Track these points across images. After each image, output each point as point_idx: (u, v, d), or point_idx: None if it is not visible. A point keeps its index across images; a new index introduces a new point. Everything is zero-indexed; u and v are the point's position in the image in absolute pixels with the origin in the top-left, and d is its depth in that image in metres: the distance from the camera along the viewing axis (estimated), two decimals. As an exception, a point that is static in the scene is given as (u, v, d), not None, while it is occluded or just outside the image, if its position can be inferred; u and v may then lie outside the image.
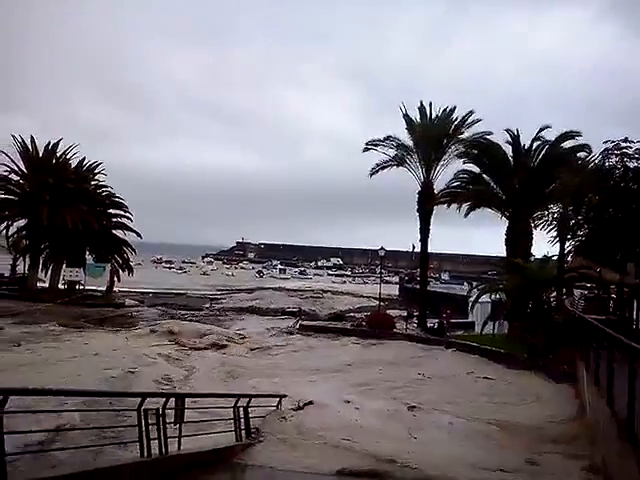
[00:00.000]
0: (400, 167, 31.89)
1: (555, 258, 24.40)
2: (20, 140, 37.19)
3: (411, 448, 10.26)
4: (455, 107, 31.56)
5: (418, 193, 31.40)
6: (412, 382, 17.30)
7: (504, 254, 27.50)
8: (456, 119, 31.11)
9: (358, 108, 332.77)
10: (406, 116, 31.96)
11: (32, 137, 37.92)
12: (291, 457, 9.60)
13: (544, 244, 26.27)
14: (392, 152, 31.80)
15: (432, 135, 30.96)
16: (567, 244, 25.04)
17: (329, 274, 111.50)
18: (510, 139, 27.05)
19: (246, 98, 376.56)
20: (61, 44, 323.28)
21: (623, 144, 19.92)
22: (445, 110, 31.60)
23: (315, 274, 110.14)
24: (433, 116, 31.76)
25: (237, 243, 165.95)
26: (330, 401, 13.34)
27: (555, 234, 25.83)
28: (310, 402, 12.67)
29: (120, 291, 41.05)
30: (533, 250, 26.53)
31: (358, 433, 10.90)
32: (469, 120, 30.58)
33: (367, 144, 31.94)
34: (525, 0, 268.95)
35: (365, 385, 16.73)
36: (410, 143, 31.55)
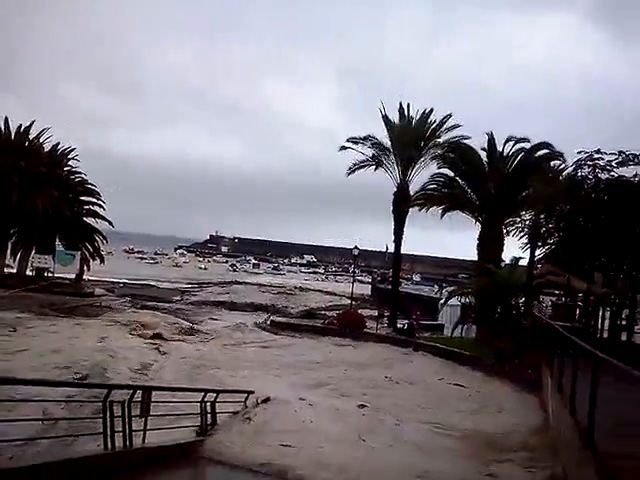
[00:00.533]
0: (377, 168, 32.06)
1: (524, 263, 24.83)
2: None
3: (360, 454, 9.92)
4: (432, 109, 31.81)
5: (394, 194, 31.56)
6: (378, 385, 17.13)
7: (476, 258, 27.82)
8: (434, 122, 31.33)
9: (347, 106, 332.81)
10: (385, 117, 32.10)
11: (6, 118, 37.13)
12: (241, 459, 9.35)
13: (515, 250, 26.63)
14: (370, 152, 31.97)
15: (409, 137, 31.10)
16: (537, 251, 25.48)
17: (302, 271, 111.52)
18: (487, 144, 27.34)
19: (231, 90, 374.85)
20: (53, 29, 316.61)
21: (596, 155, 20.35)
22: (424, 112, 31.81)
23: (288, 270, 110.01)
24: (412, 118, 31.93)
25: (210, 236, 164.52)
26: (290, 399, 13.04)
27: (526, 241, 26.26)
28: (267, 399, 12.54)
29: (90, 280, 40.42)
30: (504, 256, 26.89)
31: (309, 436, 10.56)
32: (447, 123, 30.81)
33: (347, 140, 32.01)
34: (517, 4, 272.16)
35: (329, 385, 16.65)
36: (388, 144, 31.72)
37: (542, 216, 24.01)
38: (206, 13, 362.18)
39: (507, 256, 26.59)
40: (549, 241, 23.98)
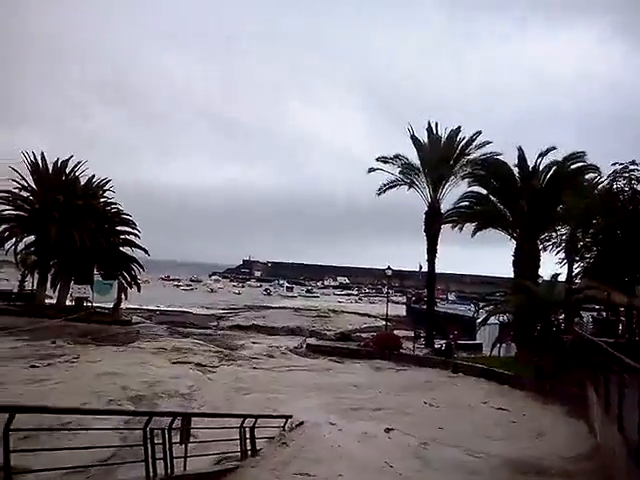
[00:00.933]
0: (407, 186, 32.07)
1: (563, 279, 24.31)
2: (31, 157, 37.68)
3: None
4: (460, 127, 31.84)
5: (425, 213, 31.51)
6: (414, 410, 16.42)
7: (512, 275, 27.37)
8: (463, 139, 31.31)
9: (369, 126, 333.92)
10: (413, 136, 32.17)
11: (42, 154, 38.39)
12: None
13: (552, 265, 26.15)
14: (399, 171, 32.02)
15: (439, 156, 31.11)
16: (575, 266, 24.96)
17: (336, 293, 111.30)
18: (517, 159, 27.01)
19: (259, 116, 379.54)
20: (77, 58, 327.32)
21: (631, 167, 19.98)
22: (453, 130, 31.81)
23: (322, 293, 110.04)
24: (440, 136, 31.96)
25: (244, 261, 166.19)
26: (323, 423, 12.68)
27: (563, 256, 25.79)
28: (301, 423, 12.40)
29: (127, 308, 41.09)
30: (541, 271, 26.39)
31: (338, 463, 10.13)
32: (476, 141, 30.81)
33: (377, 159, 32.15)
34: (539, 19, 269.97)
35: (363, 409, 16.22)
36: (417, 163, 31.74)
37: (579, 230, 23.60)
38: (229, 38, 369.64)
39: (544, 272, 26.12)
40: (586, 255, 23.50)
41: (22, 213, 37.12)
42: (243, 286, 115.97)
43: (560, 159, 26.36)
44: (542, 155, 26.62)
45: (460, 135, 31.61)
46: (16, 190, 37.07)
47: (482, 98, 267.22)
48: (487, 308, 27.86)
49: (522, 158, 26.90)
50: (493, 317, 25.88)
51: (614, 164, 20.59)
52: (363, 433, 12.33)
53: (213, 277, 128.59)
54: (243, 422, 10.10)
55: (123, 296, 39.13)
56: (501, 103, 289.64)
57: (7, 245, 36.43)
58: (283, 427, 11.96)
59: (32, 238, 37.21)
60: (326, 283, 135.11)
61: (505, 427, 14.61)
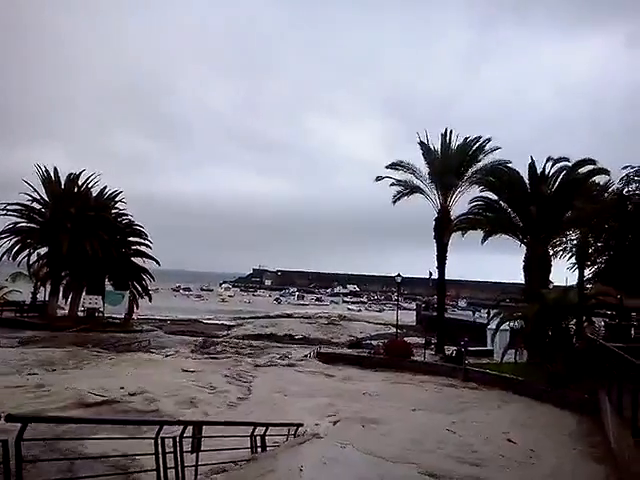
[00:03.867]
0: (418, 194, 31.98)
1: (575, 285, 24.09)
2: (43, 169, 38.13)
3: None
4: (472, 135, 31.63)
5: (435, 220, 31.39)
6: (432, 434, 13.09)
7: (522, 281, 27.21)
8: (474, 147, 31.12)
9: (386, 137, 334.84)
10: (421, 143, 32.08)
11: (55, 167, 38.99)
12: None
13: (563, 270, 25.98)
14: (409, 177, 31.97)
15: (449, 163, 31.01)
16: (587, 271, 24.78)
17: (345, 300, 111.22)
18: (528, 167, 26.81)
19: (277, 127, 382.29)
20: (100, 74, 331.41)
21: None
22: (464, 139, 31.68)
23: (331, 301, 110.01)
24: (452, 144, 31.87)
25: (254, 270, 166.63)
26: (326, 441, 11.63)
27: (574, 261, 25.59)
28: (316, 434, 12.19)
29: (139, 318, 41.31)
30: (552, 277, 26.22)
31: None
32: (487, 148, 30.57)
33: (386, 167, 32.05)
34: (562, 27, 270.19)
35: (380, 424, 14.53)
36: (427, 170, 31.68)
37: (590, 235, 23.44)
38: (250, 54, 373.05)
39: (555, 277, 25.94)
40: (598, 260, 23.34)
41: (34, 225, 37.51)
42: (254, 295, 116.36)
43: (570, 164, 26.13)
44: (552, 160, 26.43)
45: (473, 142, 31.43)
46: (28, 202, 37.55)
47: (497, 108, 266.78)
48: (498, 314, 27.65)
49: (532, 163, 26.74)
50: (505, 323, 25.67)
51: (625, 167, 20.52)
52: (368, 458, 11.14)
53: (224, 286, 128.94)
54: (254, 430, 10.09)
55: (134, 306, 39.40)
56: (516, 112, 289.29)
57: (20, 257, 36.75)
58: (294, 435, 11.94)
59: (45, 250, 37.58)
60: (336, 291, 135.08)
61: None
